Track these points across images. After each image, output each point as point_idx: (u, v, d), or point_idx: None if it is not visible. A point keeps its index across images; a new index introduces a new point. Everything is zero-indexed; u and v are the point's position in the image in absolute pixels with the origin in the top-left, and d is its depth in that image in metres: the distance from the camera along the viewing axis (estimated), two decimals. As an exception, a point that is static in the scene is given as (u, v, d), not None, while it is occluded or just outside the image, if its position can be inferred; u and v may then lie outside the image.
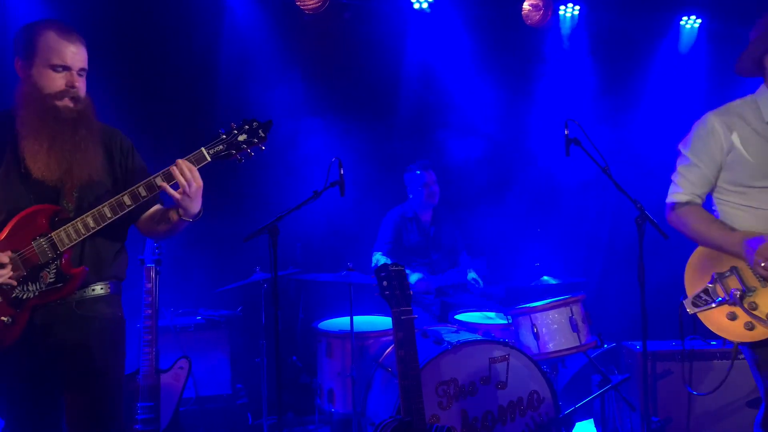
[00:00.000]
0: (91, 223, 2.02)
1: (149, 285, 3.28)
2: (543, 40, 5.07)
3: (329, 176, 3.27)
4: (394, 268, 2.68)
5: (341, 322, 3.64)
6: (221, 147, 2.12)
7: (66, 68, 2.04)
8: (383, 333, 3.45)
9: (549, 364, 3.47)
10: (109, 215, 2.03)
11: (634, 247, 2.92)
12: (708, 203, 2.36)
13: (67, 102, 2.05)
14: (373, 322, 3.69)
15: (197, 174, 2.06)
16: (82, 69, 2.08)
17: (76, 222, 2.01)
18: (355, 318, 3.42)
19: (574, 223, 5.04)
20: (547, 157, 4.75)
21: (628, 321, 3.96)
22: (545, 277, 3.98)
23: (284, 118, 4.51)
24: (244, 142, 2.14)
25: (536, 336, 3.30)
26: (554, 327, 3.30)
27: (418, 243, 4.18)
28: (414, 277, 3.92)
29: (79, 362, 2.07)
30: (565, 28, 4.99)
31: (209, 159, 2.10)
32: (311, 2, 4.26)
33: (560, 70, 5.06)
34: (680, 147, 2.38)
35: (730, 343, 2.23)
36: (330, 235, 4.46)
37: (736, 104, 2.31)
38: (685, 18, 5.05)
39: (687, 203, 2.30)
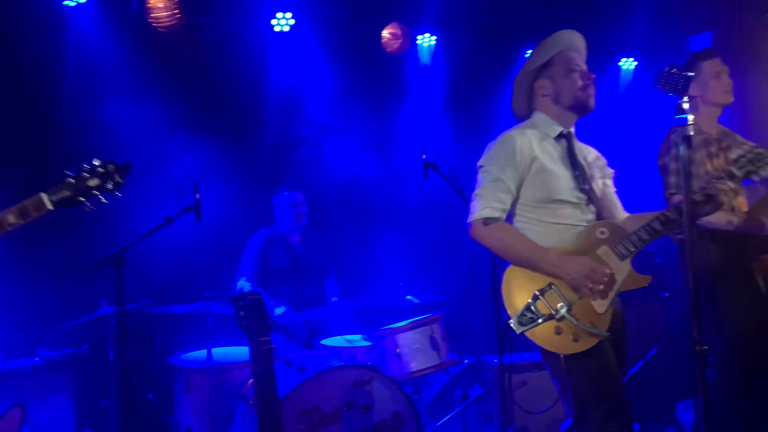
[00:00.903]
0: None
1: (-28, 326, 2.91)
2: (403, 67, 5.23)
3: (184, 201, 3.14)
4: (252, 296, 2.60)
5: (200, 356, 3.46)
6: (67, 193, 1.86)
7: None
8: (244, 364, 3.32)
9: (412, 384, 3.53)
10: None
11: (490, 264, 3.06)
12: (507, 220, 2.40)
13: None
14: (234, 353, 3.54)
15: None
16: None
17: None
18: (215, 350, 3.27)
19: (438, 242, 5.21)
20: (409, 180, 4.88)
21: (489, 335, 4.14)
22: (408, 297, 4.06)
23: (137, 138, 4.25)
24: (96, 187, 1.89)
25: (398, 357, 3.34)
26: (416, 347, 3.37)
27: (286, 265, 4.08)
28: (278, 311, 3.81)
29: None
30: (423, 56, 5.19)
31: (51, 207, 1.84)
32: (165, 20, 4.08)
33: (420, 96, 5.24)
34: (483, 163, 2.40)
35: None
36: (187, 263, 4.23)
37: (529, 124, 2.47)
38: (529, 52, 5.44)
39: (497, 219, 2.30)
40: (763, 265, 2.88)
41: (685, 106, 2.07)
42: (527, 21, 5.11)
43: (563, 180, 2.36)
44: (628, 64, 5.77)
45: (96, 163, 1.92)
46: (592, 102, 2.42)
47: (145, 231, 3.03)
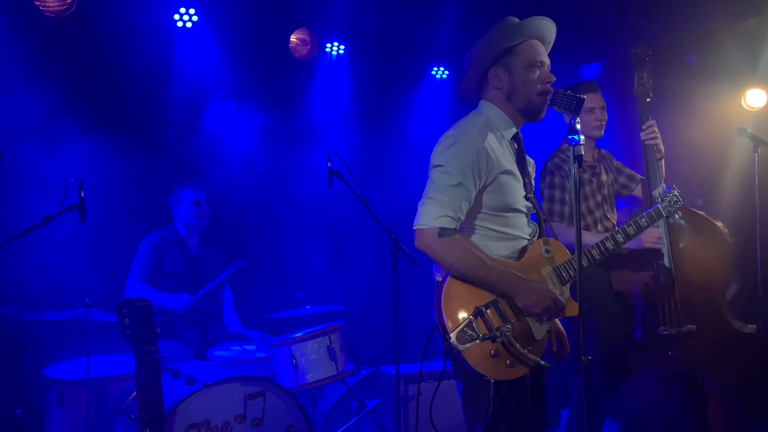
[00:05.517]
0: None
1: None
2: (311, 73, 5.16)
3: (66, 199, 2.92)
4: (138, 303, 2.44)
5: (76, 366, 3.19)
6: None
7: None
8: (127, 376, 3.10)
9: (308, 396, 3.45)
10: None
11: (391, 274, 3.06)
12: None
13: None
14: (116, 364, 3.30)
15: None
16: None
17: None
18: (95, 361, 3.03)
19: (338, 251, 5.17)
20: (312, 188, 4.81)
21: (386, 346, 4.13)
22: (308, 307, 3.97)
23: (17, 130, 3.90)
24: None
25: (295, 367, 3.26)
26: (313, 357, 3.30)
27: (181, 269, 3.85)
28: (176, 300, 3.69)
29: None
30: (331, 64, 5.16)
31: None
32: (53, 3, 3.77)
33: (326, 103, 5.19)
34: (441, 162, 2.09)
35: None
36: (67, 266, 3.89)
37: (484, 121, 2.20)
38: (435, 68, 5.60)
39: (453, 231, 2.04)
40: None
41: (578, 126, 2.09)
42: (434, 38, 5.22)
43: (520, 187, 2.18)
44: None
45: None
46: (544, 111, 2.20)
47: (20, 230, 2.78)
